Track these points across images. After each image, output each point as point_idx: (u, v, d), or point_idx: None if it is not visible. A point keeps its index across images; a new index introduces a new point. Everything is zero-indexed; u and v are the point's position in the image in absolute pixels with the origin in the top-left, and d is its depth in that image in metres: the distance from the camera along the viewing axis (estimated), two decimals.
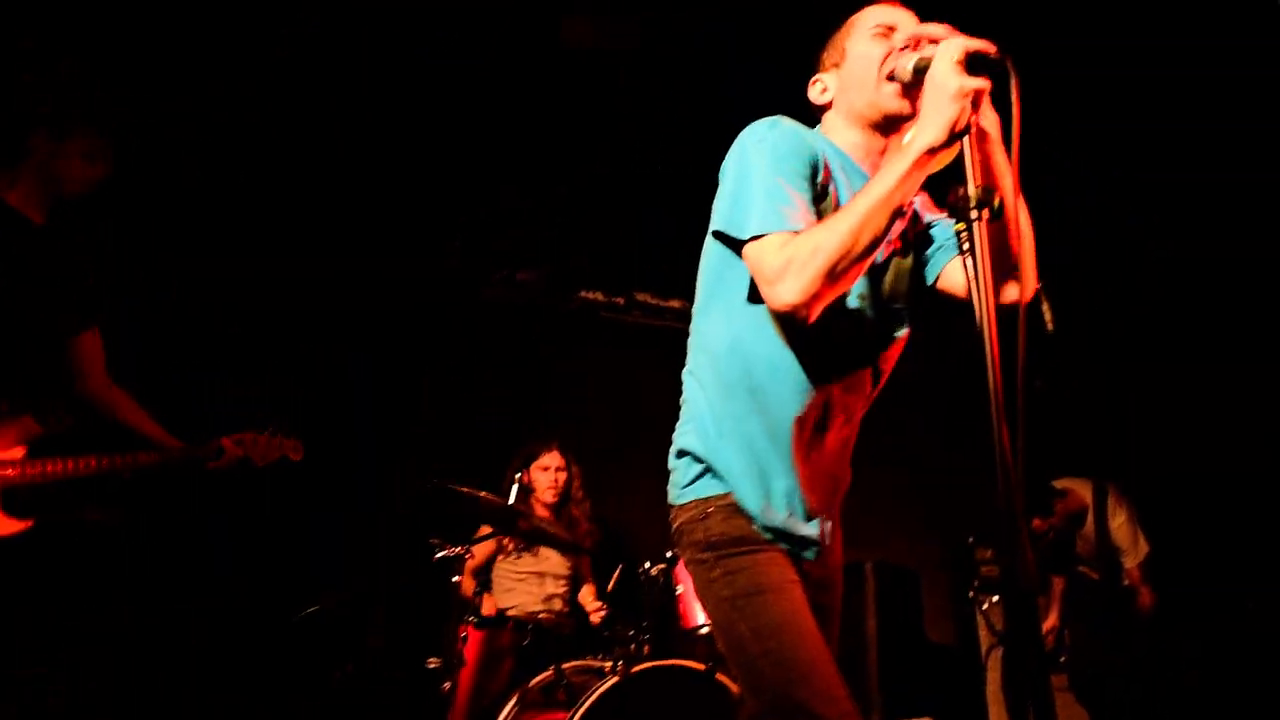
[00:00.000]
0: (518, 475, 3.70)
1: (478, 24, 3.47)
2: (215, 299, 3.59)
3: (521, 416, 4.08)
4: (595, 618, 3.61)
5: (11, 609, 2.08)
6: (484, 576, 3.67)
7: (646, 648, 2.86)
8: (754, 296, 1.49)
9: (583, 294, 4.76)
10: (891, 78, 1.50)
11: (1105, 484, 4.26)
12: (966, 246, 1.23)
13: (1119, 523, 4.18)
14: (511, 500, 3.09)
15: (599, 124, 4.05)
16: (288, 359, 3.61)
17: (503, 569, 3.77)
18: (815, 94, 1.66)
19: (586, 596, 3.84)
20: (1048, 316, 6.18)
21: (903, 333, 1.63)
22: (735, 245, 1.46)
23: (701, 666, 2.66)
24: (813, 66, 1.70)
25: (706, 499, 1.52)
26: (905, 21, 1.56)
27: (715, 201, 1.54)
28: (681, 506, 1.56)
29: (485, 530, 3.21)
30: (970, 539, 4.84)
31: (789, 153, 1.46)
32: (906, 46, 1.50)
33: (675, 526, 1.57)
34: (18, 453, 2.13)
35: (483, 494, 2.85)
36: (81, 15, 3.03)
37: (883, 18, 1.57)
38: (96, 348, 2.47)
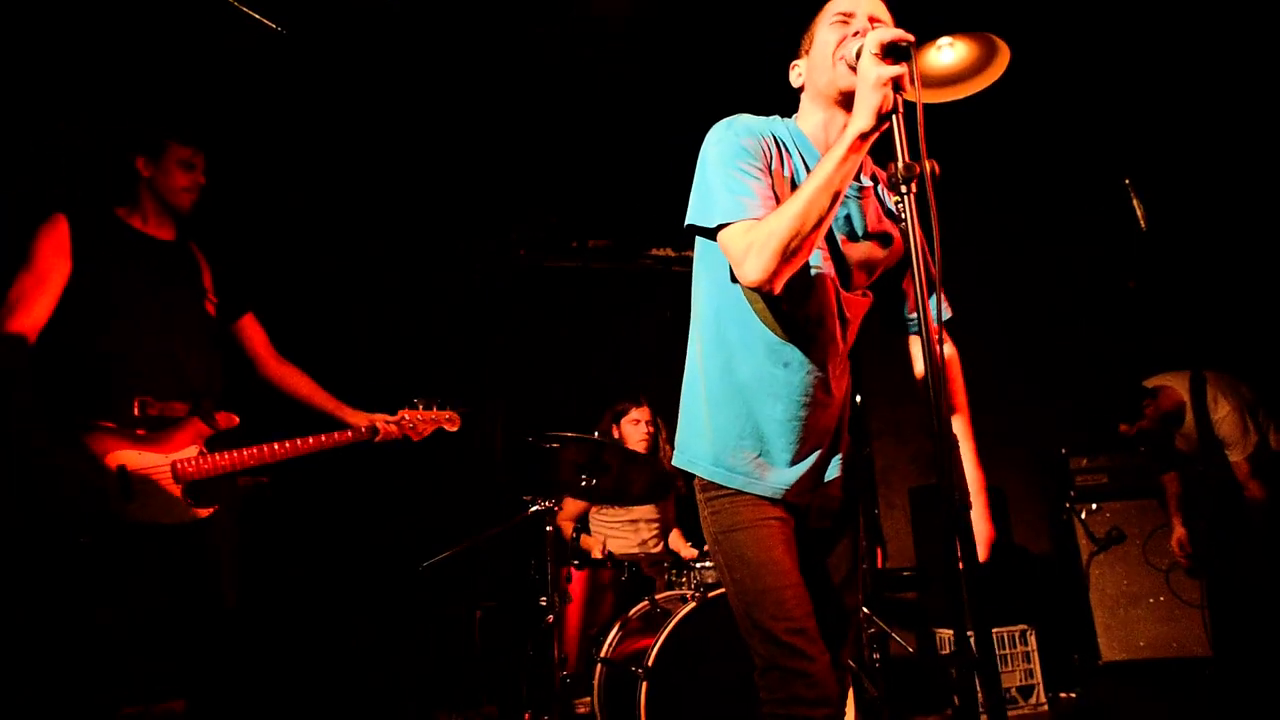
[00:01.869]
0: (609, 429, 4.04)
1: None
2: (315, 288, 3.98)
3: (606, 374, 4.38)
4: (686, 554, 3.94)
5: (190, 581, 2.44)
6: (580, 523, 4.07)
7: None
8: (730, 274, 1.72)
9: (653, 251, 4.98)
10: (841, 60, 1.67)
11: (1204, 376, 4.08)
12: (900, 216, 1.42)
13: (1222, 414, 3.99)
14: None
15: (647, 83, 4.20)
16: (382, 336, 4.02)
17: (598, 520, 4.15)
18: (793, 78, 1.86)
19: (677, 540, 4.16)
20: (1140, 214, 5.96)
21: (865, 295, 1.83)
22: (706, 234, 1.68)
23: None
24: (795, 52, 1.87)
25: (696, 447, 1.79)
26: (863, 7, 1.72)
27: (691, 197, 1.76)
28: (682, 454, 1.84)
29: (572, 505, 3.51)
30: (1063, 450, 4.85)
31: (742, 148, 1.67)
32: (858, 32, 1.67)
33: (676, 465, 1.85)
34: (193, 451, 2.47)
35: (571, 435, 3.10)
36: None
37: (843, 5, 1.74)
38: (259, 331, 2.81)
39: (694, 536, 4.09)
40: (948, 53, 3.36)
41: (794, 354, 1.72)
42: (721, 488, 1.75)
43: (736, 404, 1.75)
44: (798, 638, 1.59)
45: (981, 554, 1.76)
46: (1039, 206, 5.38)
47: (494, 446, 4.02)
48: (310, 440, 2.63)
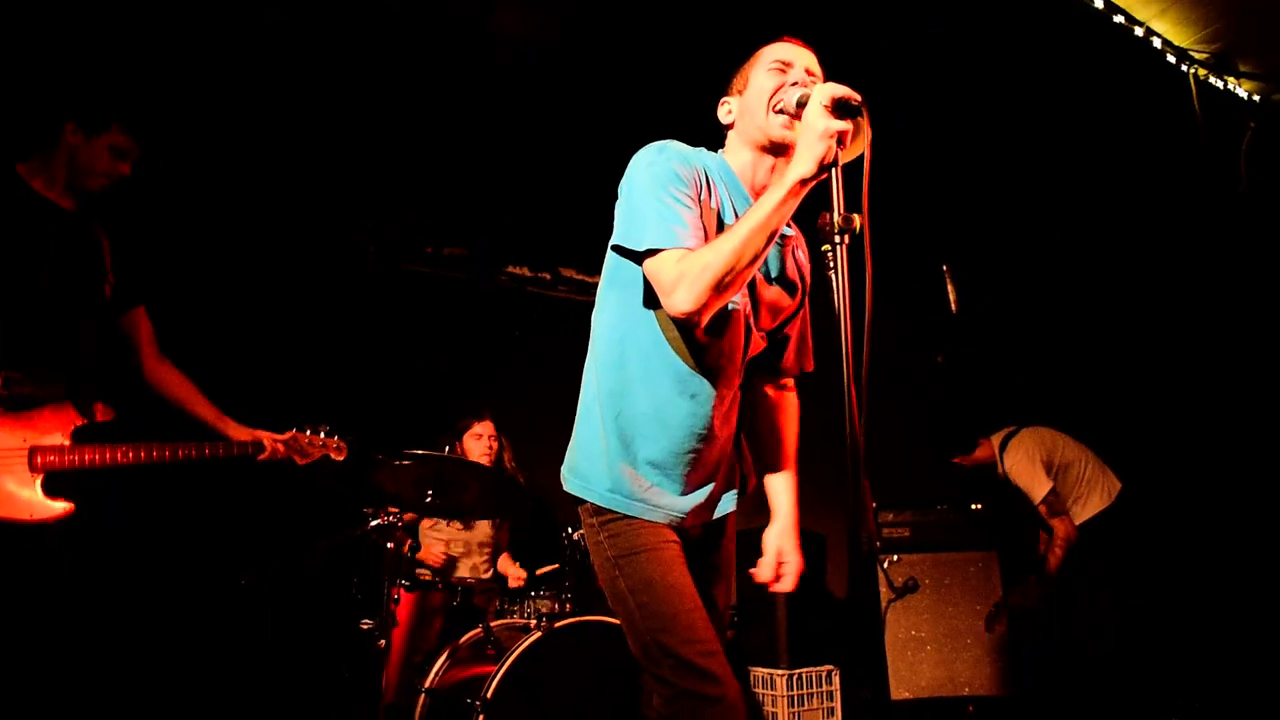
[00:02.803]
0: (450, 445, 3.87)
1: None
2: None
3: (451, 391, 4.21)
4: (514, 582, 3.84)
5: (42, 590, 2.12)
6: (413, 535, 3.86)
7: (569, 605, 3.10)
8: (646, 299, 1.72)
9: (509, 269, 4.89)
10: (779, 110, 1.72)
11: (1017, 430, 4.49)
12: (831, 266, 1.46)
13: (1011, 462, 4.36)
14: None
15: (525, 102, 4.15)
16: (229, 338, 3.65)
17: (430, 535, 3.95)
18: (722, 114, 1.88)
19: (506, 563, 4.05)
20: (952, 297, 6.60)
21: (764, 338, 1.88)
22: (632, 256, 1.67)
23: (616, 621, 2.89)
24: (724, 89, 1.90)
25: (590, 473, 1.76)
26: (801, 59, 1.78)
27: (615, 217, 1.74)
28: (575, 478, 1.79)
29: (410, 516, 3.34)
30: (873, 504, 5.22)
31: (675, 176, 1.67)
32: (796, 83, 1.72)
33: (568, 490, 1.81)
34: (60, 439, 2.19)
35: (422, 453, 2.98)
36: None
37: (781, 54, 1.79)
38: (147, 326, 2.55)
39: (526, 561, 3.98)
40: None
41: (702, 386, 1.73)
42: (617, 513, 1.72)
43: (634, 431, 1.73)
44: (711, 660, 1.57)
45: (789, 584, 1.89)
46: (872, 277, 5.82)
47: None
48: (191, 448, 2.38)
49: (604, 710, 2.67)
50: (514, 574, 3.93)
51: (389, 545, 2.90)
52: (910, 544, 5.13)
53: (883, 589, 5.05)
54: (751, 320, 1.79)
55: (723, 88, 1.90)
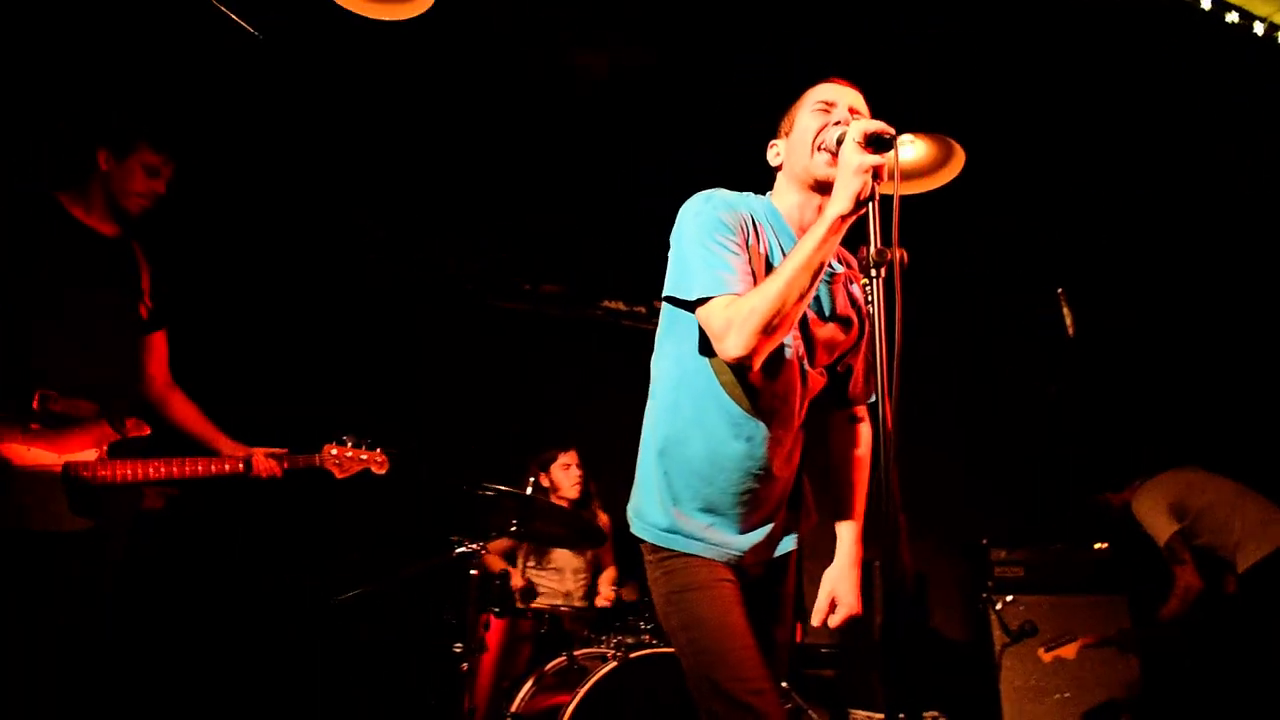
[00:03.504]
0: (536, 476, 3.98)
1: (492, 41, 3.67)
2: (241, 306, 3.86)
3: (542, 423, 4.33)
4: (601, 601, 3.87)
5: (60, 602, 2.25)
6: (508, 560, 3.97)
7: (647, 635, 3.10)
8: (701, 346, 1.75)
9: (605, 303, 4.99)
10: (821, 148, 1.73)
11: (1158, 473, 4.16)
12: (869, 299, 1.45)
13: (1142, 507, 4.05)
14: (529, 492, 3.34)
15: (621, 137, 4.26)
16: (315, 365, 3.89)
17: (522, 562, 4.05)
18: (770, 157, 1.91)
19: (604, 582, 4.08)
20: (1069, 322, 6.27)
21: (822, 374, 1.87)
22: (684, 305, 1.71)
23: None
24: (773, 131, 1.92)
25: (650, 513, 1.80)
26: (845, 98, 1.80)
27: (667, 268, 1.79)
28: (638, 519, 1.84)
29: (500, 541, 3.44)
30: (984, 540, 4.96)
31: (720, 223, 1.71)
32: (839, 122, 1.73)
33: (632, 531, 1.86)
34: (92, 455, 2.32)
35: (504, 489, 3.08)
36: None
37: (825, 95, 1.81)
38: (163, 349, 2.68)
39: (633, 579, 4.01)
40: (908, 149, 3.54)
41: (757, 428, 1.75)
42: (673, 551, 1.75)
43: (690, 474, 1.76)
44: (758, 699, 1.58)
45: (835, 621, 1.87)
46: (975, 306, 5.60)
47: (420, 485, 3.90)
48: (186, 464, 2.46)
49: None
50: (604, 593, 3.97)
51: (473, 572, 3.00)
52: (1025, 584, 4.83)
53: (996, 632, 4.77)
54: (806, 361, 1.80)
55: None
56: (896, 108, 1.95)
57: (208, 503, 2.76)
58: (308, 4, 3.01)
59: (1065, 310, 5.93)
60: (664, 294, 1.75)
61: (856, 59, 1.87)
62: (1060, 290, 5.96)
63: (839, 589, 1.89)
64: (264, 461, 2.59)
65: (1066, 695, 4.57)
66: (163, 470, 2.40)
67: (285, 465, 2.64)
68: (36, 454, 2.26)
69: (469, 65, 3.69)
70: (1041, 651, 4.31)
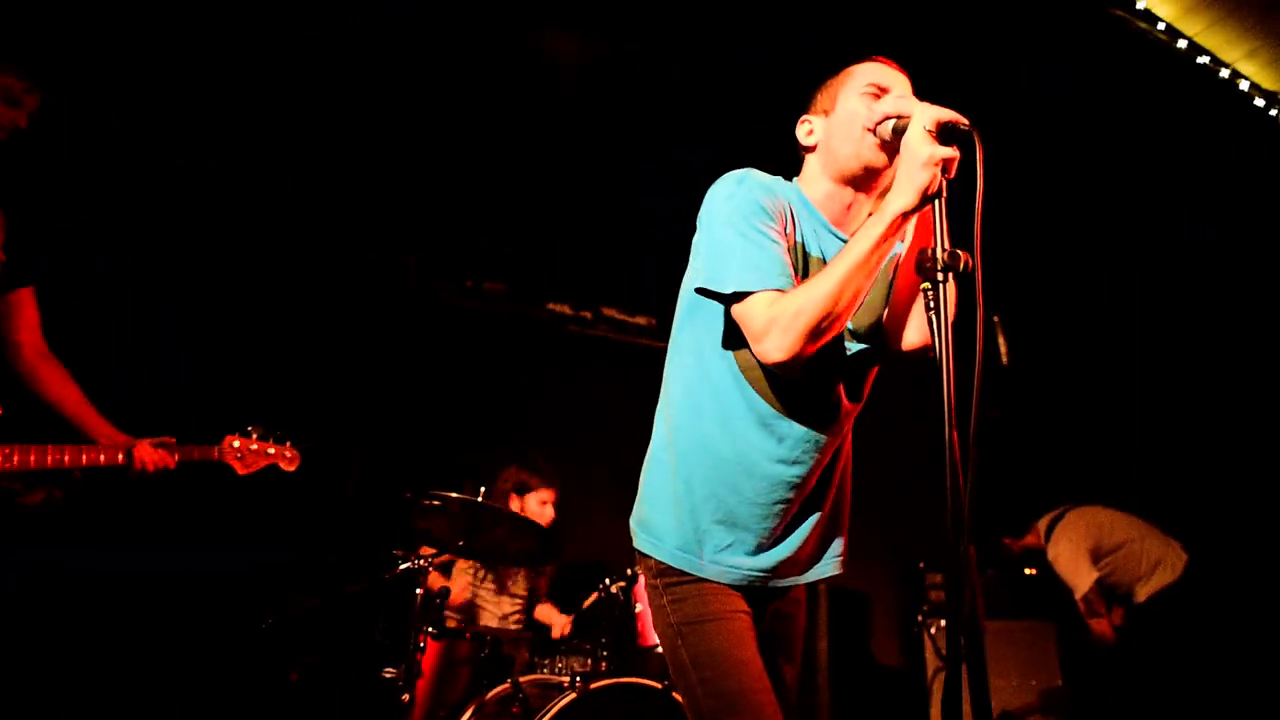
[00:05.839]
0: (509, 498, 3.70)
1: (450, 33, 3.47)
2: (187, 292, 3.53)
3: (488, 428, 4.08)
4: (557, 632, 3.63)
5: None
6: (447, 574, 3.68)
7: (604, 664, 2.90)
8: (726, 341, 1.56)
9: (550, 306, 4.78)
10: (873, 133, 1.55)
11: (1061, 514, 4.14)
12: (932, 305, 1.30)
13: (1055, 552, 4.03)
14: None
15: (568, 137, 4.08)
16: (253, 362, 3.56)
17: (461, 577, 3.76)
18: (802, 134, 1.70)
19: (549, 612, 3.85)
20: (1003, 350, 6.37)
21: (872, 368, 1.70)
22: (717, 298, 1.52)
23: (658, 685, 2.69)
24: (804, 105, 1.72)
25: (660, 527, 1.60)
26: (898, 85, 1.61)
27: (692, 255, 1.60)
28: (644, 533, 1.63)
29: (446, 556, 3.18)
30: (920, 564, 4.94)
31: (760, 208, 1.51)
32: (900, 115, 1.52)
33: (636, 547, 1.65)
34: None
35: (459, 496, 2.81)
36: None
37: (877, 78, 1.61)
38: (30, 311, 2.30)
39: (568, 608, 3.78)
40: None
41: (791, 428, 1.56)
42: (685, 574, 1.55)
43: (713, 480, 1.56)
44: None
45: None
46: None
47: (348, 492, 3.58)
48: (50, 452, 2.12)
49: None
50: (558, 622, 3.72)
51: (418, 590, 2.74)
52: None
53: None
54: (844, 349, 1.62)
55: (789, 118, 1.73)
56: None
57: (97, 501, 2.39)
58: None
59: (1000, 337, 6.07)
60: (694, 285, 1.55)
61: (856, 59, 1.71)
62: (996, 318, 6.11)
63: None
64: (150, 452, 2.26)
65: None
66: (15, 459, 2.04)
67: (177, 457, 2.32)
68: None
69: (433, 58, 3.49)
70: None
